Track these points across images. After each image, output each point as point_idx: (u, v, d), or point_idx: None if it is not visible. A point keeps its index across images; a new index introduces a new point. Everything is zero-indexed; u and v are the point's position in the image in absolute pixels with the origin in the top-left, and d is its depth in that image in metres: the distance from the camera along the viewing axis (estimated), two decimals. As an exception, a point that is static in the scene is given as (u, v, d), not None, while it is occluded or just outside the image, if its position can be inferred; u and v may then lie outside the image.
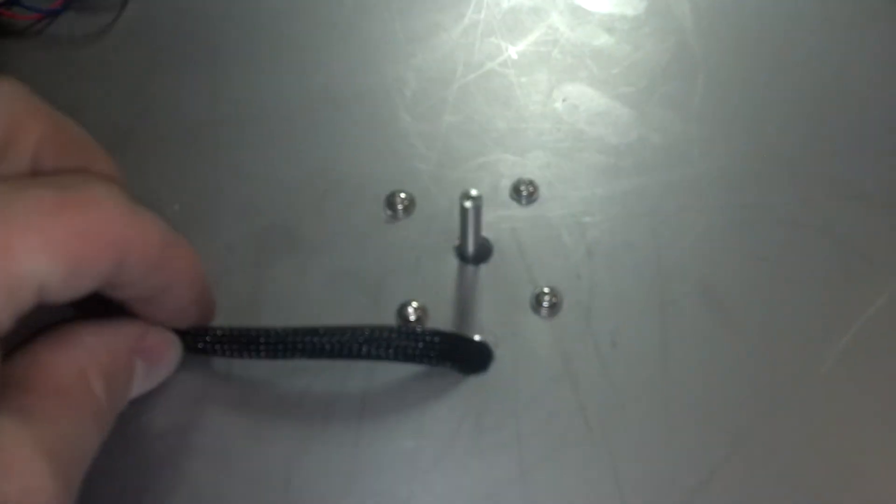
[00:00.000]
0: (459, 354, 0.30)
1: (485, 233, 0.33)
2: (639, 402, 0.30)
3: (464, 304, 0.32)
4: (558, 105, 0.37)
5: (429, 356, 0.29)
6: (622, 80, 0.38)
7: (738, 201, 0.34)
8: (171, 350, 0.28)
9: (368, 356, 0.29)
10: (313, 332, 0.28)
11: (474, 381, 0.31)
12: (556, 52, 0.38)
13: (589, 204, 0.34)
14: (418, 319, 0.32)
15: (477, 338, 0.31)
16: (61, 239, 0.20)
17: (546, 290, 0.32)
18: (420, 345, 0.29)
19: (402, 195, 0.34)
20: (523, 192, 0.34)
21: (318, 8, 0.40)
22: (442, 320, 0.32)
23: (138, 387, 0.26)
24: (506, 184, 0.35)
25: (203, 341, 0.29)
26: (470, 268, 0.33)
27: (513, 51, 0.39)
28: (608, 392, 0.30)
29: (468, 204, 0.30)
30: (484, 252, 0.33)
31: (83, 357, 0.24)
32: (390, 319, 0.32)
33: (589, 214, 0.34)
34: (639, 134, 0.36)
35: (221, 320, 0.29)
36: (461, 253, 0.33)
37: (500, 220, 0.34)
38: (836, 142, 0.36)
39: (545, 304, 0.32)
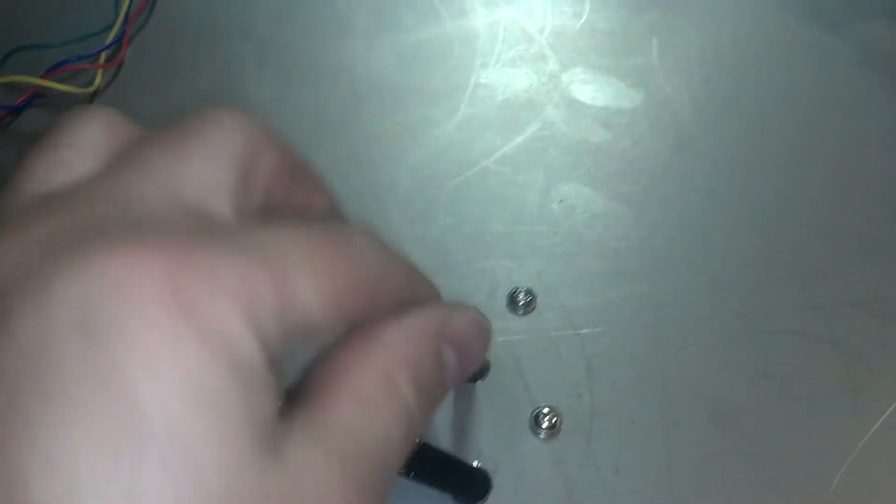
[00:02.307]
0: (458, 484, 0.29)
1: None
2: (643, 532, 0.29)
3: (461, 425, 0.31)
4: (555, 206, 0.36)
5: (426, 481, 0.28)
6: (621, 178, 0.37)
7: (741, 309, 0.33)
8: (480, 332, 0.24)
9: None
10: None
11: (473, 511, 0.30)
12: (552, 148, 0.38)
13: (588, 313, 0.33)
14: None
15: (476, 464, 0.30)
16: (329, 277, 0.19)
17: (545, 409, 0.31)
18: (415, 469, 0.28)
19: (397, 306, 0.33)
20: (520, 302, 0.34)
21: (307, 100, 0.40)
22: (439, 441, 0.31)
23: (452, 379, 0.23)
24: (503, 292, 0.34)
25: None
26: (467, 385, 0.32)
27: (508, 147, 0.38)
28: (611, 521, 0.29)
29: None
30: (481, 368, 0.32)
31: (384, 357, 0.21)
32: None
33: (588, 325, 0.33)
34: (639, 237, 0.35)
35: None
36: (458, 369, 0.32)
37: (497, 333, 0.33)
38: (841, 245, 0.35)
39: (545, 424, 0.31)
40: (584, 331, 0.33)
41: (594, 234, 0.35)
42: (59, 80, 0.41)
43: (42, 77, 0.40)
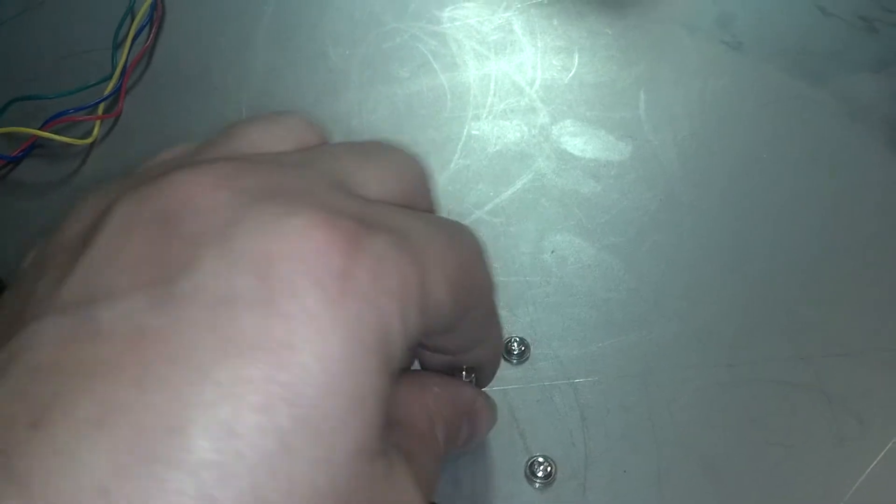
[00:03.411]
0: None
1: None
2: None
3: (457, 475, 0.32)
4: (547, 256, 0.37)
5: None
6: (610, 229, 0.38)
7: (729, 359, 0.34)
8: (490, 421, 0.29)
9: None
10: None
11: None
12: (544, 199, 0.39)
13: (581, 363, 0.34)
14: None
15: (471, 513, 0.31)
16: (455, 277, 0.21)
17: (540, 458, 0.32)
18: None
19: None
20: (514, 351, 0.34)
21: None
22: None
23: (453, 447, 0.26)
24: (497, 342, 0.34)
25: None
26: (462, 435, 0.32)
27: (500, 198, 0.39)
28: (606, 571, 0.30)
29: (464, 375, 0.30)
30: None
31: (433, 405, 0.25)
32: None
33: (581, 374, 0.34)
34: (628, 287, 0.36)
35: None
36: (453, 418, 0.33)
37: (492, 383, 0.33)
38: (828, 295, 0.36)
39: (540, 473, 0.31)
40: (577, 380, 0.34)
41: (585, 284, 0.36)
42: (57, 131, 0.41)
43: (41, 128, 0.41)
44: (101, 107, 0.43)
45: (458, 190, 0.39)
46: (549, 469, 0.32)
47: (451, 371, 0.27)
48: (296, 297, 0.17)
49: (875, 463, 0.32)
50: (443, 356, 0.27)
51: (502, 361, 0.34)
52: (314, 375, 0.17)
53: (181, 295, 0.17)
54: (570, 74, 0.43)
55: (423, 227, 0.21)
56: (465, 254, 0.22)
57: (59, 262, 0.19)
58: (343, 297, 0.18)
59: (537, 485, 0.31)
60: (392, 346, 0.19)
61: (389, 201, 0.22)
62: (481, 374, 0.28)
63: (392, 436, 0.21)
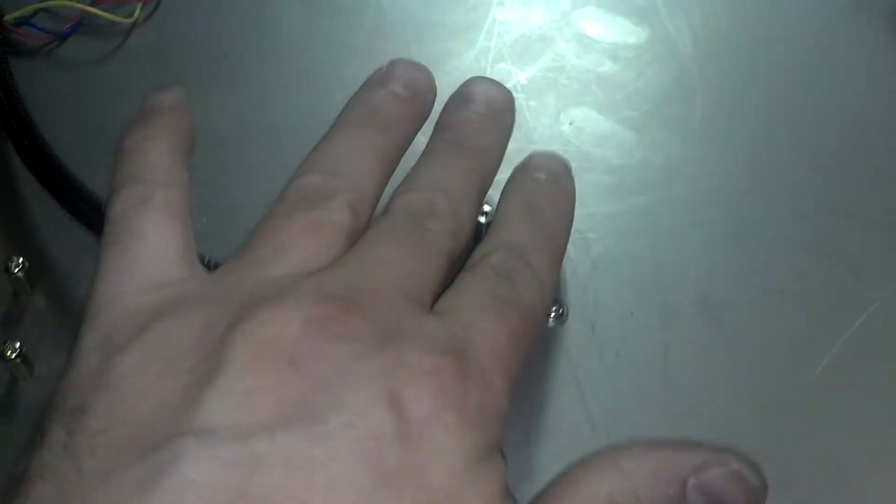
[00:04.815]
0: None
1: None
2: (640, 406, 0.32)
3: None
4: (565, 128, 0.39)
5: None
6: (626, 104, 0.40)
7: (733, 218, 0.36)
8: (743, 490, 0.22)
9: None
10: None
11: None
12: (563, 77, 0.41)
13: (594, 221, 0.36)
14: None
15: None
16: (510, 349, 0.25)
17: (554, 302, 0.34)
18: None
19: (419, 211, 0.36)
20: (532, 210, 0.37)
21: (336, 31, 0.43)
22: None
23: None
24: (516, 202, 0.37)
25: None
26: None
27: (522, 76, 0.41)
28: (612, 397, 0.32)
29: (482, 219, 0.32)
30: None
31: (615, 480, 0.22)
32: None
33: (594, 231, 0.36)
34: (641, 155, 0.38)
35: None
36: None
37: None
38: (828, 161, 0.38)
39: (553, 314, 0.34)
40: (590, 235, 0.36)
41: (600, 152, 0.38)
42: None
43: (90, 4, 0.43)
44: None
45: (482, 69, 0.41)
46: (561, 310, 0.34)
47: None
48: (426, 434, 0.21)
49: (867, 313, 0.34)
50: None
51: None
52: (445, 488, 0.21)
53: (335, 431, 0.20)
54: (592, -34, 0.45)
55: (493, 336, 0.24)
56: (524, 314, 0.26)
57: (176, 372, 0.21)
58: (460, 428, 0.21)
59: (551, 324, 0.34)
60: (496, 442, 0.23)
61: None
62: None
63: None
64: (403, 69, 0.31)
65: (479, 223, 0.32)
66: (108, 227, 0.26)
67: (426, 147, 0.31)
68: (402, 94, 0.31)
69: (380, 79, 0.31)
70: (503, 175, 0.37)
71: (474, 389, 0.22)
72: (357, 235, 0.26)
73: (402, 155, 0.30)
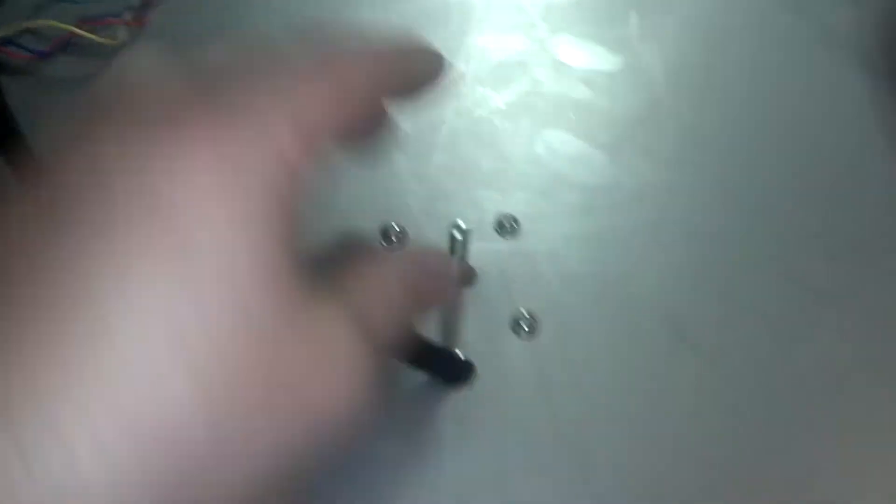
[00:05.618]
0: (444, 368, 0.33)
1: (470, 261, 0.36)
2: (607, 415, 0.33)
3: (449, 325, 0.35)
4: (539, 149, 0.40)
5: (418, 363, 0.32)
6: (599, 128, 0.41)
7: (700, 239, 0.38)
8: (440, 279, 0.30)
9: None
10: None
11: (459, 394, 0.33)
12: (540, 102, 0.42)
13: (566, 240, 0.37)
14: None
15: (461, 355, 0.34)
16: (330, 104, 0.24)
17: (525, 314, 0.35)
18: (409, 355, 0.32)
19: (396, 227, 0.37)
20: (506, 227, 0.38)
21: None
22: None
23: (426, 304, 0.28)
24: (490, 219, 0.38)
25: None
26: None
27: (500, 100, 0.42)
28: (580, 406, 0.33)
29: (457, 234, 0.33)
30: (468, 277, 0.36)
31: (391, 266, 0.26)
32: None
33: (565, 249, 0.37)
34: (613, 177, 0.39)
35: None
36: (448, 280, 0.36)
37: (484, 251, 0.37)
38: (794, 185, 0.39)
39: (524, 326, 0.35)
40: (561, 252, 0.37)
41: (573, 173, 0.39)
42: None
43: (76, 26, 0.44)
44: (130, 14, 0.46)
45: (461, 92, 0.42)
46: (532, 323, 0.35)
47: None
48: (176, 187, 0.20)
49: (825, 328, 0.35)
50: None
51: (495, 235, 0.37)
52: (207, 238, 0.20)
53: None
54: (569, -3, 0.46)
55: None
56: (344, 77, 0.24)
57: None
58: (217, 166, 0.21)
59: (522, 336, 0.35)
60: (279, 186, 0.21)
61: None
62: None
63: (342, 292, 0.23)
64: None
65: (451, 236, 0.33)
66: None
67: None
68: None
69: None
70: (485, 191, 0.38)
71: (240, 134, 0.21)
72: None
73: None
